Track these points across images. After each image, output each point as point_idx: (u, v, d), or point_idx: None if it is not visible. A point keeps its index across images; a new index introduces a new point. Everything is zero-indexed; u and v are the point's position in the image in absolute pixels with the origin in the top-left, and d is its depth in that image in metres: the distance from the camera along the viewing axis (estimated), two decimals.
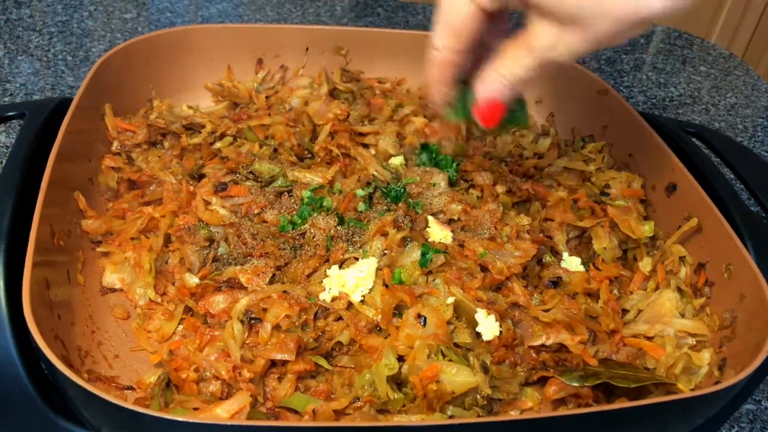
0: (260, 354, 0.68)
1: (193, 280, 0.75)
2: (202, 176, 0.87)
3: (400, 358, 0.68)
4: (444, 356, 0.67)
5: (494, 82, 0.63)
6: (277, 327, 0.70)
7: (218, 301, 0.73)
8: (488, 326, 0.72)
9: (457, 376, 0.65)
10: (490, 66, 0.63)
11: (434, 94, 0.71)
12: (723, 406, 0.64)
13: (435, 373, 0.65)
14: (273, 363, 0.69)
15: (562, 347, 0.75)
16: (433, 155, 0.94)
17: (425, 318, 0.70)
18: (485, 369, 0.67)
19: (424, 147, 0.95)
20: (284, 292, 0.72)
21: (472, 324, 0.72)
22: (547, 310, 0.77)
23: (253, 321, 0.70)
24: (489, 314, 0.73)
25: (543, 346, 0.74)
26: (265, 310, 0.71)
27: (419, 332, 0.69)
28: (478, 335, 0.72)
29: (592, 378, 0.67)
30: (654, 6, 0.52)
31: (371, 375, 0.67)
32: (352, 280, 0.73)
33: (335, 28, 1.11)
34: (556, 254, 0.85)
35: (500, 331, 0.72)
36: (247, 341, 0.69)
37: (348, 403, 0.66)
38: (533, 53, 0.59)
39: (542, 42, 0.58)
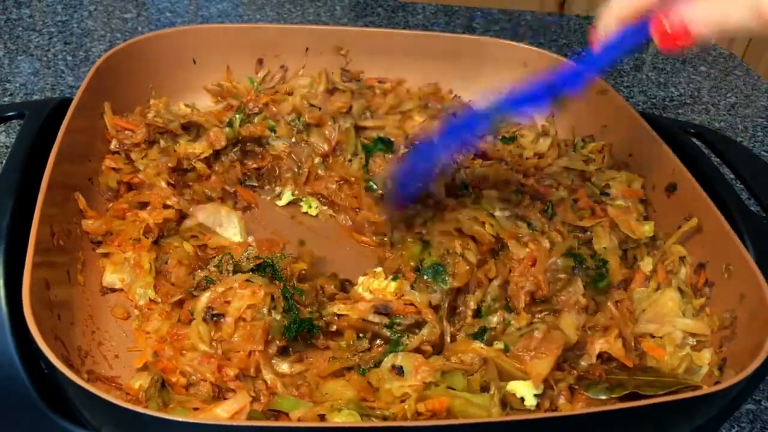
0: (229, 349, 0.67)
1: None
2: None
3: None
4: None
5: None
6: (242, 318, 0.68)
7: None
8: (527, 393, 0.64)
9: (471, 408, 0.60)
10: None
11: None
12: (723, 406, 0.64)
13: (444, 407, 0.60)
14: None
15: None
16: None
17: (400, 367, 0.64)
18: (504, 405, 0.62)
19: None
20: (247, 280, 0.71)
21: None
22: None
23: (215, 318, 0.69)
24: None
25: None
26: (228, 302, 0.70)
27: (398, 384, 0.62)
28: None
29: (618, 389, 0.65)
30: None
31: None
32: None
33: (335, 28, 1.11)
34: None
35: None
36: (215, 337, 0.68)
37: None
38: None
39: None
